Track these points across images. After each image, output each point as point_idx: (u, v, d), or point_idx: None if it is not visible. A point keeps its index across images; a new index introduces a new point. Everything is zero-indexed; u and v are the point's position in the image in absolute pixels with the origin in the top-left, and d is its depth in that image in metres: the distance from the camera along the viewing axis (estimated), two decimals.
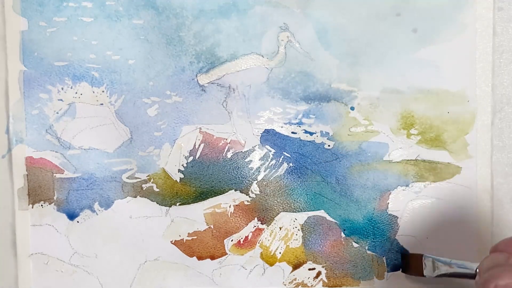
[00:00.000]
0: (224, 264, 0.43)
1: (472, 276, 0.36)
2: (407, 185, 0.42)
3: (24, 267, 0.42)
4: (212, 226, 0.43)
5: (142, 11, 0.41)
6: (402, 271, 0.42)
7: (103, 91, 0.42)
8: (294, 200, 0.43)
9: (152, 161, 0.42)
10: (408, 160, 0.42)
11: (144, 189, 0.42)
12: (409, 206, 0.43)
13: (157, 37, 0.41)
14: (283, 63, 0.42)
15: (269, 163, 0.42)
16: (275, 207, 0.43)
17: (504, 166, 0.42)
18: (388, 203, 0.43)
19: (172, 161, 0.42)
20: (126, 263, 0.43)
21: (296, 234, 0.43)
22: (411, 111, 0.42)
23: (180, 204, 0.42)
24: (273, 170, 0.42)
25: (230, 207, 0.43)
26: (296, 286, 0.43)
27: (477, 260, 0.35)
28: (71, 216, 0.42)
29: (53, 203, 0.42)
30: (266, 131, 0.42)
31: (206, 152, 0.42)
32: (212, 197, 0.43)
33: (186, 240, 0.43)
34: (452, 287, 0.42)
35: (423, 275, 0.40)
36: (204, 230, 0.43)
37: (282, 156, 0.42)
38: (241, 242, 0.43)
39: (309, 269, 0.43)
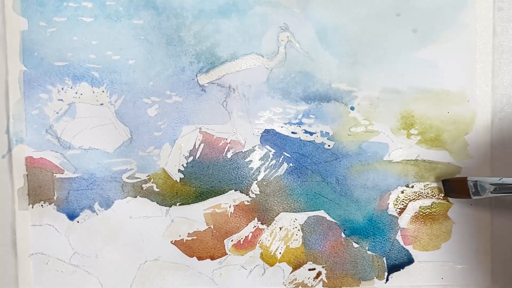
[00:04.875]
0: (224, 264, 0.43)
1: None
2: (407, 185, 0.42)
3: (24, 267, 0.42)
4: (212, 226, 0.43)
5: (142, 11, 0.41)
6: (445, 195, 0.42)
7: (103, 91, 0.42)
8: (294, 200, 0.43)
9: (152, 161, 0.42)
10: (408, 160, 0.42)
11: (144, 189, 0.42)
12: (409, 206, 0.43)
13: (157, 37, 0.41)
14: (283, 63, 0.42)
15: (269, 163, 0.42)
16: (275, 207, 0.43)
17: (504, 166, 0.42)
18: (388, 203, 0.43)
19: (172, 161, 0.42)
20: (126, 263, 0.43)
21: (296, 234, 0.43)
22: (411, 111, 0.42)
23: (180, 204, 0.42)
24: (273, 170, 0.42)
25: (230, 207, 0.43)
26: (296, 287, 0.43)
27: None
28: (71, 216, 0.42)
29: (53, 203, 0.42)
30: (266, 131, 0.42)
31: (206, 152, 0.42)
32: (212, 197, 0.42)
33: (186, 240, 0.43)
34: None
35: (470, 197, 0.39)
36: (204, 230, 0.43)
37: (282, 156, 0.42)
38: (241, 242, 0.43)
39: (309, 270, 0.43)
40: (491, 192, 0.38)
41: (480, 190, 0.38)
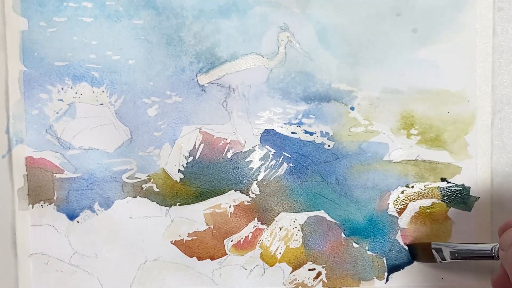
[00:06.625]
0: (224, 265, 0.43)
1: (489, 256, 0.36)
2: (407, 185, 0.42)
3: (24, 267, 0.42)
4: (212, 227, 0.43)
5: (142, 11, 0.41)
6: (412, 259, 0.42)
7: (103, 91, 0.42)
8: (294, 200, 0.43)
9: (152, 161, 0.42)
10: (408, 160, 0.42)
11: (144, 189, 0.42)
12: (409, 206, 0.43)
13: (157, 37, 0.41)
14: (283, 63, 0.42)
15: (269, 163, 0.42)
16: (275, 207, 0.43)
17: (504, 166, 0.42)
18: (388, 203, 0.43)
19: (172, 161, 0.42)
20: (126, 263, 0.43)
21: (296, 235, 0.43)
22: (411, 111, 0.42)
23: (180, 204, 0.42)
24: (273, 170, 0.42)
25: (230, 207, 0.43)
26: (296, 287, 0.43)
27: None
28: (71, 216, 0.42)
29: (53, 203, 0.42)
30: (266, 131, 0.42)
31: (206, 152, 0.42)
32: (212, 197, 0.42)
33: (186, 240, 0.43)
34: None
35: (435, 262, 0.40)
36: (204, 230, 0.43)
37: (282, 156, 0.42)
38: (241, 242, 0.43)
39: (309, 270, 0.43)
40: (450, 258, 0.39)
41: (447, 255, 0.39)
